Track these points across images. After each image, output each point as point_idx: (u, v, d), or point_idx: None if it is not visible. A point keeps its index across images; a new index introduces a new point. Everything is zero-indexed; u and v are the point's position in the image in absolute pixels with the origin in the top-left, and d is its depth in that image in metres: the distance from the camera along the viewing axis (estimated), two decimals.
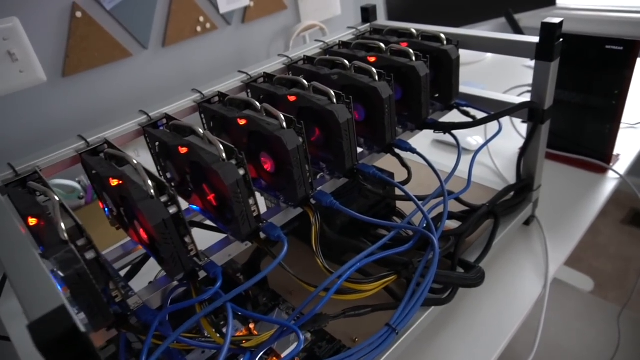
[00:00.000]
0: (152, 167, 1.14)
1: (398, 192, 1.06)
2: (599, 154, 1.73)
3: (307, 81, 1.10)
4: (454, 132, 1.21)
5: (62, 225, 0.75)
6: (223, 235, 1.03)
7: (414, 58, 1.17)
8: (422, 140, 2.11)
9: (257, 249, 1.28)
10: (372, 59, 1.25)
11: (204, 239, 1.03)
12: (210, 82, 1.17)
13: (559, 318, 2.73)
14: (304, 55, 1.31)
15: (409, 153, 1.13)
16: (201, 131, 0.96)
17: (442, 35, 1.23)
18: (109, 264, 1.06)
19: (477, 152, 1.18)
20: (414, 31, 1.33)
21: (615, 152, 1.74)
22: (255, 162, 1.06)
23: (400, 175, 1.12)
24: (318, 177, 1.17)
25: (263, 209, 1.11)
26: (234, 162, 0.89)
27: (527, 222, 1.51)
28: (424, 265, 0.90)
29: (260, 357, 0.87)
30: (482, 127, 2.06)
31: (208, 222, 1.12)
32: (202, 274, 0.94)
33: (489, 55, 2.76)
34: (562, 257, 1.38)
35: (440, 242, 1.04)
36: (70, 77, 1.68)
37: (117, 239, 1.25)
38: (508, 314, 1.22)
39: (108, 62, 1.77)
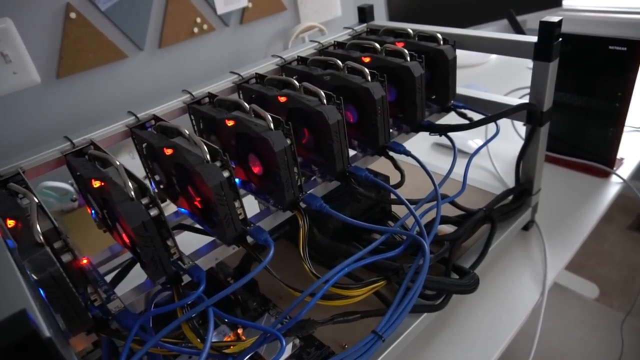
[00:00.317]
0: (143, 170, 1.12)
1: (394, 196, 1.03)
2: (601, 157, 1.70)
3: (300, 82, 1.08)
4: (450, 134, 1.18)
5: (38, 227, 0.73)
6: (211, 238, 1.00)
7: (408, 58, 1.15)
8: (422, 143, 2.08)
9: (247, 253, 1.25)
10: (367, 60, 1.23)
11: (194, 242, 1.01)
12: (201, 83, 1.15)
13: (560, 325, 2.68)
14: (298, 56, 1.29)
15: (402, 155, 1.10)
16: (187, 132, 0.94)
17: (439, 35, 1.20)
18: (93, 267, 1.04)
19: (473, 154, 1.15)
20: (410, 31, 1.30)
21: (619, 156, 1.71)
22: (245, 164, 1.04)
23: (397, 178, 1.09)
24: (312, 179, 1.15)
25: (257, 211, 1.09)
26: (218, 163, 0.86)
27: (525, 227, 1.49)
28: (414, 270, 0.87)
29: None
30: (483, 130, 2.03)
31: (199, 225, 1.09)
32: (188, 278, 0.92)
33: (493, 56, 2.73)
34: (561, 263, 1.34)
35: (433, 247, 1.02)
36: (65, 78, 1.67)
37: (110, 242, 1.22)
38: (504, 321, 1.19)
39: (103, 64, 1.76)
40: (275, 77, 1.16)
